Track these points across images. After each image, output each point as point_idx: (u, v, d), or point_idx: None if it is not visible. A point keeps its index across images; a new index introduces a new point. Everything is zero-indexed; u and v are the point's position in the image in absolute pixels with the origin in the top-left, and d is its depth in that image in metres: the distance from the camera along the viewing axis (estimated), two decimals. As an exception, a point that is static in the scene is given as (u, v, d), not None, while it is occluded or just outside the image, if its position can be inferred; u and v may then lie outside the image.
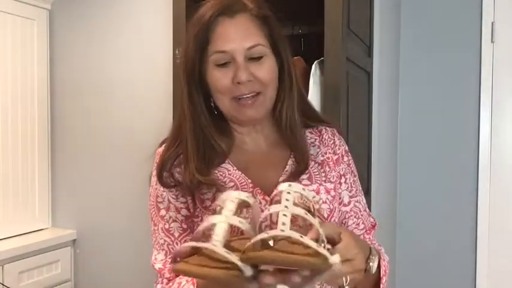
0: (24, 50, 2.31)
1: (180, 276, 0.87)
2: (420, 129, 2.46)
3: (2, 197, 2.23)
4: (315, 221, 0.69)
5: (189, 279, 0.85)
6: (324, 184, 0.95)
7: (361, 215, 1.02)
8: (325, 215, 0.91)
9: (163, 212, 0.93)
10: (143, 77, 2.20)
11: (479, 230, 2.32)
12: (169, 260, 0.91)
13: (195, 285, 0.81)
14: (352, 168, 1.03)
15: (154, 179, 0.95)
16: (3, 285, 2.05)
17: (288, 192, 0.72)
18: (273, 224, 0.70)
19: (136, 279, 2.24)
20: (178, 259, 0.70)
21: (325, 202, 0.92)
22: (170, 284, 0.89)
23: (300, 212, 0.69)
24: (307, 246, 0.64)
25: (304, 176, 0.93)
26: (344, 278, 0.73)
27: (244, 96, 0.88)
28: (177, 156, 0.92)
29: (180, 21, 1.71)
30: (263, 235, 0.65)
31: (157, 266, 0.92)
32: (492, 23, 2.29)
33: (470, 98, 2.35)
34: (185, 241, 0.89)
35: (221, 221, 0.70)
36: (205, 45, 0.88)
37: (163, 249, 0.92)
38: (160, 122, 2.10)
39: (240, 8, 0.90)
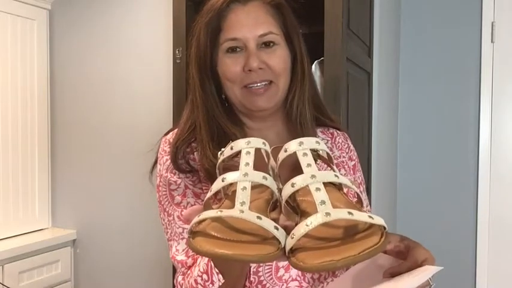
0: (24, 50, 2.31)
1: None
2: (420, 129, 2.46)
3: (2, 197, 2.23)
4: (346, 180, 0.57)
5: None
6: None
7: None
8: None
9: (178, 199, 0.87)
10: (143, 76, 2.20)
11: (479, 229, 2.32)
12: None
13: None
14: (362, 176, 1.02)
15: (162, 166, 0.90)
16: (3, 285, 2.05)
17: (305, 154, 0.58)
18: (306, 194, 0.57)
19: (137, 279, 2.24)
20: (192, 229, 0.57)
21: None
22: (189, 271, 0.83)
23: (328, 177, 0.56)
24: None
25: None
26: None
27: (256, 85, 0.86)
28: (190, 142, 0.90)
29: (180, 21, 1.71)
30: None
31: (179, 257, 0.85)
32: (492, 23, 2.29)
33: (470, 98, 2.35)
34: None
35: (242, 179, 0.57)
36: (217, 33, 0.87)
37: (183, 238, 0.85)
38: (160, 121, 2.10)
39: None
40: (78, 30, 2.36)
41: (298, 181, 0.55)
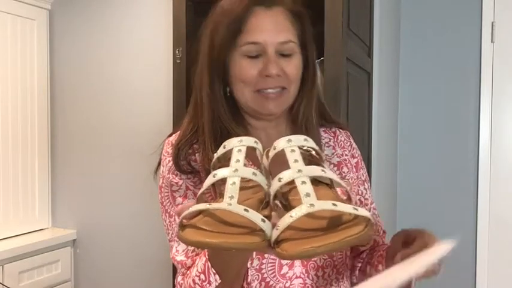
0: (24, 50, 2.31)
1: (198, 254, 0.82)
2: (420, 129, 2.46)
3: (2, 197, 2.23)
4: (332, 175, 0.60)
5: (199, 251, 0.79)
6: None
7: (378, 221, 1.02)
8: None
9: (179, 200, 0.88)
10: (143, 76, 2.20)
11: (479, 229, 2.32)
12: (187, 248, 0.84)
13: (206, 256, 0.76)
14: (366, 174, 1.03)
15: (165, 168, 0.92)
16: (3, 285, 2.05)
17: (293, 150, 0.61)
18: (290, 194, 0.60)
19: (137, 279, 2.24)
20: (184, 222, 0.59)
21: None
22: (188, 272, 0.83)
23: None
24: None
25: None
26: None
27: (269, 91, 0.87)
28: (192, 143, 0.90)
29: (180, 21, 1.72)
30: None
31: (179, 258, 0.85)
32: (492, 23, 2.29)
33: (470, 98, 2.35)
34: None
35: (232, 175, 0.60)
36: (237, 34, 0.86)
37: None
38: (160, 121, 2.10)
39: (277, 0, 0.88)
40: (78, 30, 2.36)
41: (285, 176, 0.57)
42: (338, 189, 0.65)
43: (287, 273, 0.85)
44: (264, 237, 0.55)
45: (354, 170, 0.98)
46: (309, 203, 0.52)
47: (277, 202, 0.60)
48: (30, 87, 2.35)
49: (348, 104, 1.54)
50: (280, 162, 0.62)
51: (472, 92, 2.34)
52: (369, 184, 1.02)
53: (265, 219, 0.55)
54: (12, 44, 2.25)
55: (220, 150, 0.67)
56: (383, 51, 2.05)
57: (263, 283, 0.84)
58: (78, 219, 2.42)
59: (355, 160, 0.99)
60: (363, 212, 0.54)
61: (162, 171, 0.92)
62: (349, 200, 0.61)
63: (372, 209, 1.01)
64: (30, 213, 2.37)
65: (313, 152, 0.64)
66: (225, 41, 0.86)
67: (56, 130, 2.45)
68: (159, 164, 0.95)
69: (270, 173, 0.64)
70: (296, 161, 0.59)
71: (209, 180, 0.62)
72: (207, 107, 0.88)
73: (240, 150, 0.63)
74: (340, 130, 1.01)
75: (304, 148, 0.62)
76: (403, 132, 2.49)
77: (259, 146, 0.66)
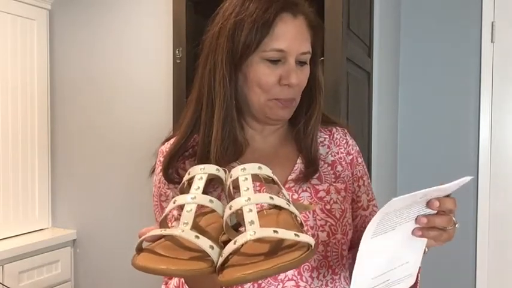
0: (24, 50, 2.31)
1: None
2: (420, 129, 2.46)
3: (2, 197, 2.23)
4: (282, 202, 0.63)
5: None
6: (334, 184, 0.92)
7: None
8: (337, 216, 0.90)
9: (167, 211, 0.89)
10: (143, 77, 2.20)
11: (479, 229, 2.32)
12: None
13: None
14: (366, 170, 1.01)
15: (157, 177, 0.92)
16: (3, 285, 2.05)
17: (246, 179, 0.64)
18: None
19: (137, 279, 2.24)
20: (138, 246, 0.63)
21: (336, 202, 0.91)
22: (169, 281, 0.87)
23: (264, 198, 0.62)
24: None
25: (314, 176, 0.91)
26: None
27: (283, 98, 0.87)
28: (185, 150, 0.90)
29: (180, 21, 1.72)
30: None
31: None
32: (492, 23, 2.29)
33: (470, 98, 2.35)
34: None
35: (189, 202, 0.63)
36: (263, 38, 0.83)
37: None
38: (160, 121, 2.10)
39: (303, 9, 0.87)
40: (78, 31, 2.36)
41: (235, 204, 0.60)
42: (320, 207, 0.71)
43: (278, 275, 0.84)
44: (212, 263, 0.58)
45: (349, 167, 0.97)
46: (252, 231, 0.56)
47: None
48: (30, 87, 2.35)
49: (348, 104, 1.54)
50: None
51: (472, 92, 2.34)
52: (368, 179, 1.01)
53: (214, 245, 0.58)
54: (12, 44, 2.26)
55: (186, 177, 0.69)
56: (383, 51, 2.05)
57: (255, 285, 0.84)
58: (78, 219, 2.42)
59: (351, 157, 0.97)
60: (304, 238, 0.57)
61: (154, 180, 0.93)
62: (300, 226, 0.64)
63: (371, 206, 1.00)
64: (30, 213, 2.37)
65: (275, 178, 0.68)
66: (249, 42, 0.83)
67: (56, 130, 2.45)
68: (153, 171, 0.95)
69: (233, 196, 0.66)
70: (247, 189, 0.62)
71: (170, 207, 0.65)
72: (222, 105, 0.85)
73: (201, 178, 0.66)
74: (337, 128, 1.00)
75: (261, 175, 0.66)
76: (403, 132, 2.49)
77: (220, 173, 0.69)
